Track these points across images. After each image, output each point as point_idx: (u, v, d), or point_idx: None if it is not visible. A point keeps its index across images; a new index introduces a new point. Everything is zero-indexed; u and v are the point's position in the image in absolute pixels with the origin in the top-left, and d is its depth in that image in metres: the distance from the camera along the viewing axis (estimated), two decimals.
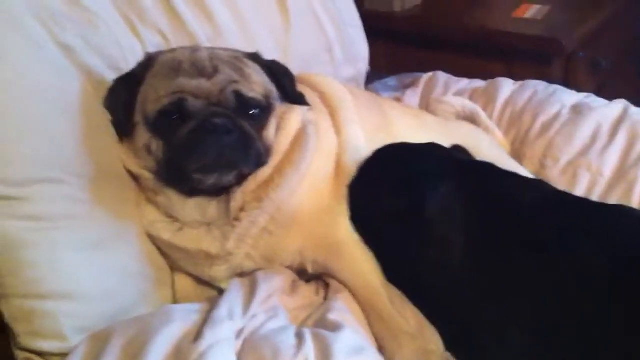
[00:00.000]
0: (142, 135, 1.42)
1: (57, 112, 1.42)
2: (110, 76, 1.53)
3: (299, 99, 1.56)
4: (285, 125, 1.52)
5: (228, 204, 1.46)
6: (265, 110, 1.46)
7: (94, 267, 1.44)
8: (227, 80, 1.41)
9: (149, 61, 1.46)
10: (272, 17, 2.00)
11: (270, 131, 1.48)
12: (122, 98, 1.43)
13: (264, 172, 1.47)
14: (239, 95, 1.41)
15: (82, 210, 1.44)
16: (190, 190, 1.45)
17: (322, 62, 2.14)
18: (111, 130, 1.52)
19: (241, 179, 1.45)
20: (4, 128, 1.34)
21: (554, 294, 1.30)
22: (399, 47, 2.94)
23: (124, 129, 1.44)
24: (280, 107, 1.52)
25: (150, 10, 1.72)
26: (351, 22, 2.28)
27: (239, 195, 1.46)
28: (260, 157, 1.45)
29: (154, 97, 1.40)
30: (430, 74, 2.42)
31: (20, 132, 1.36)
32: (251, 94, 1.43)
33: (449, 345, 1.39)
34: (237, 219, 1.47)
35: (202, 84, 1.39)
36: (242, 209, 1.47)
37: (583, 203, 1.53)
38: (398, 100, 2.29)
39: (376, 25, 2.61)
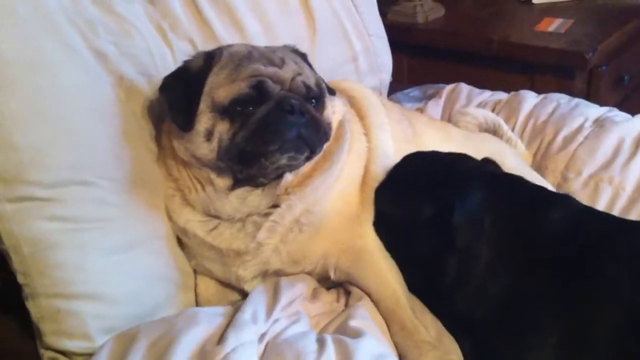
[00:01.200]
0: (205, 122, 1.43)
1: (89, 117, 1.46)
2: (141, 82, 1.57)
3: (330, 90, 1.62)
4: (335, 110, 1.60)
5: (272, 190, 1.48)
6: (319, 99, 1.52)
7: (121, 270, 1.47)
8: (295, 71, 1.48)
9: (211, 56, 1.49)
10: (299, 27, 2.03)
11: (327, 112, 1.55)
12: (188, 89, 1.45)
13: (316, 158, 1.52)
14: (306, 85, 1.48)
15: (112, 213, 1.47)
16: (244, 176, 1.46)
17: (347, 72, 2.15)
18: (142, 136, 1.56)
19: (302, 162, 1.48)
20: (38, 131, 1.38)
21: (577, 316, 1.29)
22: (421, 60, 2.96)
23: (188, 117, 1.44)
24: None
25: (181, 19, 1.75)
26: (376, 33, 2.30)
27: (291, 176, 1.49)
28: (326, 135, 1.51)
29: (227, 83, 1.43)
30: (452, 85, 2.43)
31: (54, 136, 1.40)
32: (311, 85, 1.50)
33: (467, 355, 1.40)
34: (276, 204, 1.49)
35: (277, 71, 1.45)
36: (286, 191, 1.49)
37: (612, 222, 1.50)
38: (420, 110, 2.30)
39: (399, 37, 2.63)
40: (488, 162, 1.64)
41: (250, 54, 1.48)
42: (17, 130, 1.36)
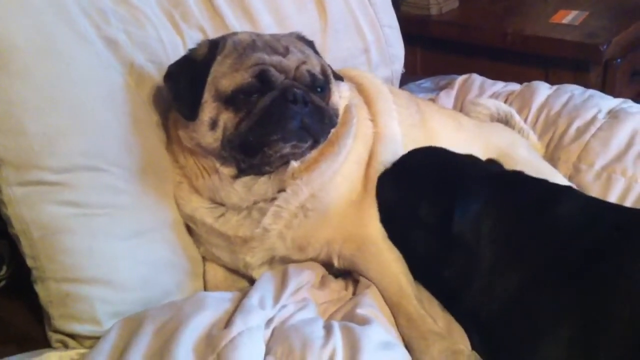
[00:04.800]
0: (210, 111, 1.44)
1: (101, 104, 1.46)
2: (151, 70, 1.57)
3: (336, 75, 1.62)
4: (341, 95, 1.60)
5: (279, 177, 1.49)
6: (324, 87, 1.51)
7: (130, 256, 1.47)
8: (299, 60, 1.47)
9: (215, 45, 1.49)
10: (311, 18, 2.03)
11: (333, 99, 1.55)
12: (192, 78, 1.45)
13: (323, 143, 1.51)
14: (310, 73, 1.47)
15: (122, 200, 1.48)
16: (247, 166, 1.47)
17: (359, 63, 2.15)
18: (151, 123, 1.56)
19: (307, 151, 1.48)
20: (49, 118, 1.39)
21: (593, 309, 1.27)
22: (435, 52, 2.95)
23: (193, 107, 1.44)
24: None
25: (193, 8, 1.76)
26: (388, 23, 2.29)
27: (297, 163, 1.49)
28: (332, 123, 1.51)
29: (230, 72, 1.43)
30: (465, 76, 2.41)
31: (65, 122, 1.41)
32: (316, 73, 1.49)
33: (477, 346, 1.39)
34: (282, 189, 1.49)
35: (281, 60, 1.45)
36: (292, 176, 1.49)
37: (625, 213, 1.48)
38: (432, 101, 2.29)
39: (412, 29, 2.62)
40: (492, 163, 1.63)
41: (254, 43, 1.47)
42: (29, 117, 1.37)
